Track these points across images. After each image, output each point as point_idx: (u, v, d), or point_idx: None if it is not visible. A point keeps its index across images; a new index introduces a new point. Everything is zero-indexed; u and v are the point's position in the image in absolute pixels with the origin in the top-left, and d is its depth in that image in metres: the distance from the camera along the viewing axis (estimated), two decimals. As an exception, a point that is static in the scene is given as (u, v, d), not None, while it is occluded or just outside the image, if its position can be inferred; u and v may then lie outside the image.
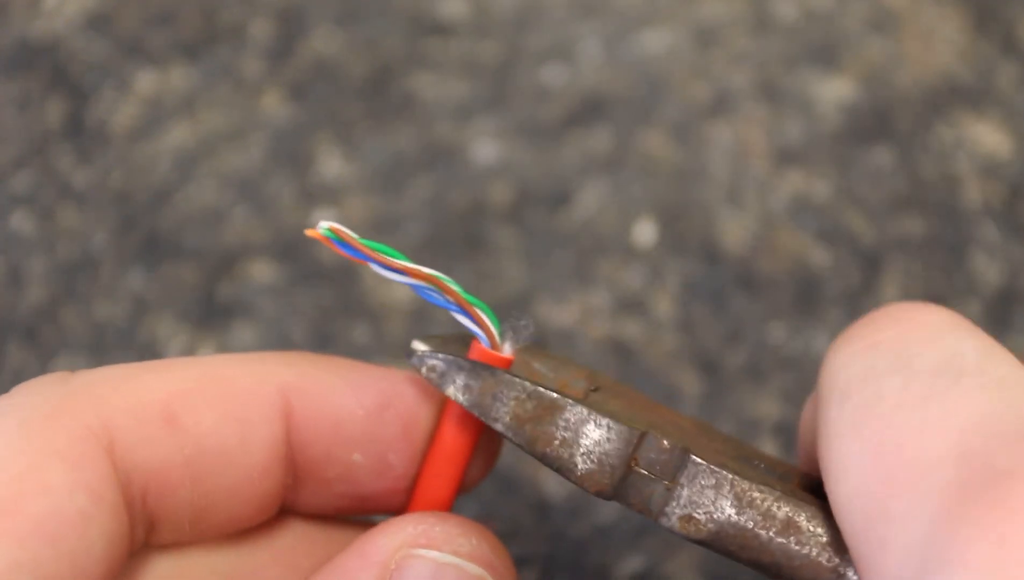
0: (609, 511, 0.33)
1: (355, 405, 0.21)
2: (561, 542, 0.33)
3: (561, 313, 0.36)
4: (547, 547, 0.33)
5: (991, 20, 0.42)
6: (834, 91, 0.40)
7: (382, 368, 0.22)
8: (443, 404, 0.21)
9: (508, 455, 0.34)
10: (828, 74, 0.41)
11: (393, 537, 0.20)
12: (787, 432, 0.34)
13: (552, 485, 0.34)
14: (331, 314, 0.36)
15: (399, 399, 0.21)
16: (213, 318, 0.36)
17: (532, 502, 0.33)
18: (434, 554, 0.20)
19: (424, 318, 0.36)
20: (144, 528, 0.20)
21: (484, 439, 0.22)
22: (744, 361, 0.35)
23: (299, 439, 0.21)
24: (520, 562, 0.33)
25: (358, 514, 0.22)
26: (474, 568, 0.20)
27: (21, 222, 0.38)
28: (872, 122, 0.40)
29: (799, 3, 0.42)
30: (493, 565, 0.20)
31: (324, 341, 0.36)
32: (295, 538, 0.23)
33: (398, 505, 0.22)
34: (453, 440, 0.21)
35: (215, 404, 0.20)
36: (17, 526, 0.17)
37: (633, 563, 0.33)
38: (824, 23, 0.42)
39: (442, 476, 0.21)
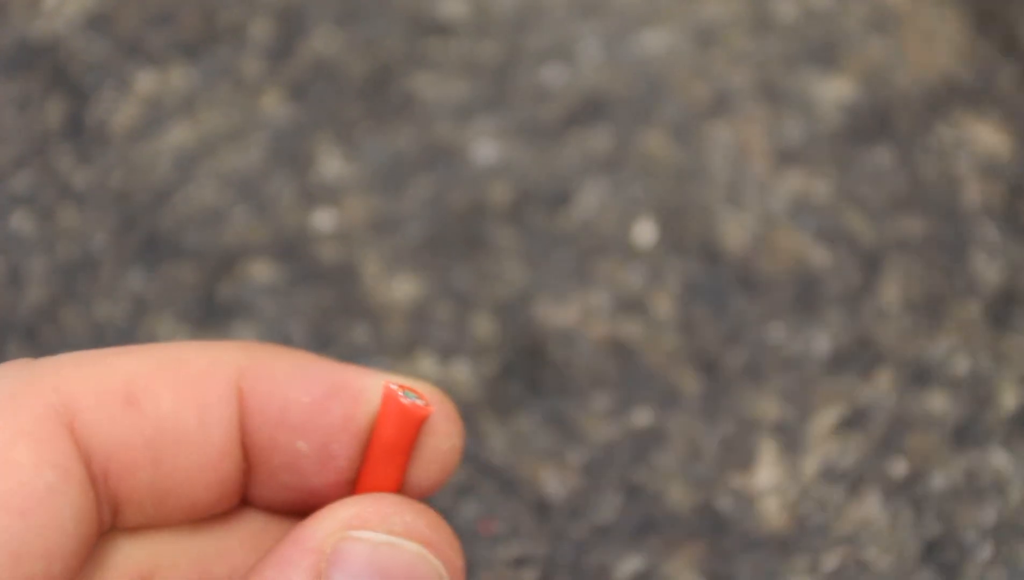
0: (609, 511, 0.33)
1: (301, 391, 0.21)
2: (561, 542, 0.33)
3: (561, 313, 0.36)
4: (547, 547, 0.33)
5: (991, 20, 0.42)
6: (834, 91, 0.40)
7: (334, 362, 0.22)
8: (383, 400, 0.22)
9: (508, 455, 0.34)
10: (828, 74, 0.41)
11: (326, 522, 0.20)
12: (787, 432, 0.34)
13: (552, 485, 0.34)
14: (331, 314, 0.36)
15: (344, 390, 0.21)
16: (213, 318, 0.36)
17: (532, 502, 0.33)
18: (368, 534, 0.20)
19: (424, 318, 0.36)
20: (109, 510, 0.20)
21: (437, 442, 0.22)
22: (744, 361, 0.35)
23: (248, 423, 0.21)
24: (520, 562, 0.33)
25: (308, 510, 0.22)
26: (411, 545, 0.20)
27: (21, 222, 0.38)
28: (872, 122, 0.40)
29: (799, 3, 0.42)
30: (431, 541, 0.20)
31: (324, 341, 0.36)
32: (260, 524, 0.23)
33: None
34: (394, 434, 0.21)
35: (174, 386, 0.20)
36: None
37: (633, 563, 0.33)
38: (824, 23, 0.42)
39: (386, 469, 0.22)
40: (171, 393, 0.20)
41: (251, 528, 0.23)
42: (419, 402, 0.21)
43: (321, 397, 0.21)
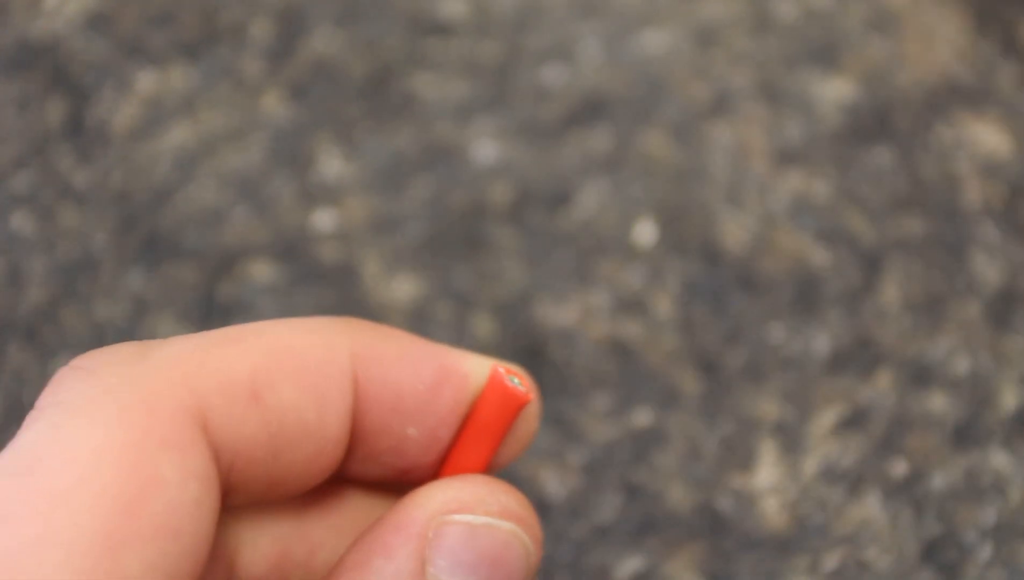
0: (609, 511, 0.33)
1: (416, 379, 0.21)
2: (561, 542, 0.33)
3: (561, 313, 0.36)
4: (547, 547, 0.33)
5: (991, 20, 0.42)
6: (834, 91, 0.40)
7: (435, 344, 0.22)
8: (489, 382, 0.22)
9: (508, 455, 0.34)
10: (828, 74, 0.41)
11: (425, 507, 0.20)
12: (787, 432, 0.34)
13: (552, 485, 0.34)
14: (331, 314, 0.36)
15: (453, 374, 0.21)
16: (213, 318, 0.36)
17: (532, 502, 0.33)
18: (468, 517, 0.20)
19: (424, 318, 0.36)
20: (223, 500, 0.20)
21: (523, 425, 0.23)
22: (744, 361, 0.35)
23: (361, 410, 0.21)
24: (520, 562, 0.33)
25: (398, 483, 0.22)
26: (506, 524, 0.20)
27: (21, 222, 0.38)
28: (872, 122, 0.40)
29: (799, 3, 0.42)
30: (521, 518, 0.21)
31: (324, 341, 0.36)
32: (339, 501, 0.23)
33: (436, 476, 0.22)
34: (493, 416, 0.22)
35: (295, 378, 0.20)
36: (144, 527, 0.17)
37: (633, 563, 0.33)
38: (824, 23, 0.42)
39: (478, 449, 0.22)
40: (293, 386, 0.20)
41: (329, 505, 0.23)
42: (521, 388, 0.22)
43: (434, 384, 0.21)
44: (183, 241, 0.38)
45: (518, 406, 0.22)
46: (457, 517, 0.20)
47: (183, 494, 0.18)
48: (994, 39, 0.41)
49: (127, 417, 0.18)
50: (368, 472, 0.22)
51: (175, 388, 0.19)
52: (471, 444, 0.22)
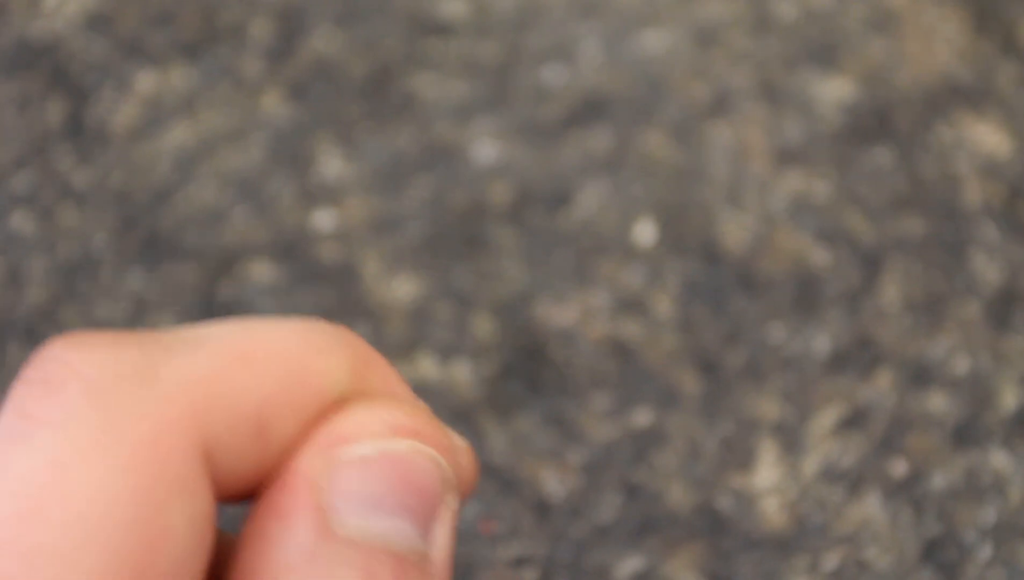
0: (609, 511, 0.33)
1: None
2: (561, 542, 0.33)
3: (561, 313, 0.36)
4: (547, 547, 0.33)
5: (991, 20, 0.42)
6: (834, 91, 0.40)
7: (398, 407, 0.21)
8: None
9: (508, 455, 0.34)
10: (828, 74, 0.41)
11: (312, 457, 0.19)
12: (787, 432, 0.34)
13: (552, 485, 0.34)
14: (331, 314, 0.36)
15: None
16: (213, 318, 0.36)
17: (532, 502, 0.33)
18: (357, 450, 0.19)
19: (424, 318, 0.36)
20: None
21: None
22: (744, 361, 0.35)
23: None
24: (520, 562, 0.33)
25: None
26: (400, 444, 0.19)
27: (21, 222, 0.38)
28: (872, 122, 0.40)
29: (799, 3, 0.42)
30: (416, 430, 0.19)
31: (324, 341, 0.36)
32: None
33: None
34: None
35: (298, 411, 0.19)
36: None
37: (633, 563, 0.33)
38: (824, 23, 0.42)
39: None
40: (296, 421, 0.19)
41: None
42: None
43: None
44: (183, 241, 0.38)
45: None
46: (344, 455, 0.19)
47: (189, 539, 0.17)
48: (994, 39, 0.41)
49: (138, 459, 0.17)
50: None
51: (186, 422, 0.18)
52: None
